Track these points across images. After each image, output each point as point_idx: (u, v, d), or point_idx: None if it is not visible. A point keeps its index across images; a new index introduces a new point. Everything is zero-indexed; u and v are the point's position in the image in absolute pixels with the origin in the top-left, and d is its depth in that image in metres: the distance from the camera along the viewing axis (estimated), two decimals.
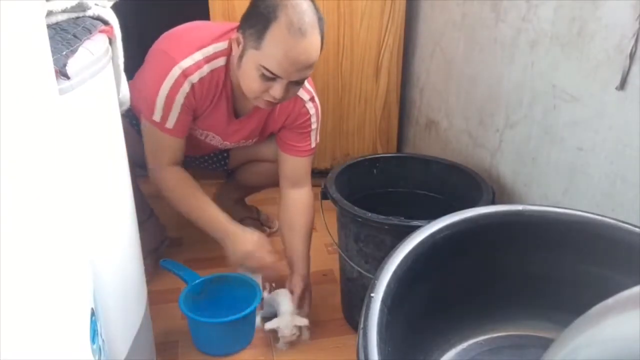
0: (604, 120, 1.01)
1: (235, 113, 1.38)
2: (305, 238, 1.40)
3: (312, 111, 1.39)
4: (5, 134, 0.46)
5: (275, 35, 1.12)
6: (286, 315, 1.26)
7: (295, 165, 1.43)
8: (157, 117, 1.27)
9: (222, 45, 1.27)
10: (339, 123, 1.94)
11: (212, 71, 1.26)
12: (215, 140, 1.44)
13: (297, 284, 1.34)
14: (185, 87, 1.24)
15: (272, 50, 1.13)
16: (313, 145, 1.43)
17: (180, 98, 1.25)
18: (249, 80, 1.19)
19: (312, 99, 1.38)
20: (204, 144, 1.46)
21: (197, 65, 1.24)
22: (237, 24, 1.25)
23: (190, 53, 1.24)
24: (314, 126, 1.41)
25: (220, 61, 1.27)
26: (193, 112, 1.31)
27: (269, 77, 1.16)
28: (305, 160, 1.43)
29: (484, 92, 1.42)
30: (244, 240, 1.33)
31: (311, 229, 1.42)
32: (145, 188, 1.48)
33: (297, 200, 1.42)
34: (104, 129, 0.84)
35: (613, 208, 1.00)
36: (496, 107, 1.37)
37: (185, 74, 1.23)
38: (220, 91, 1.30)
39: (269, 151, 1.52)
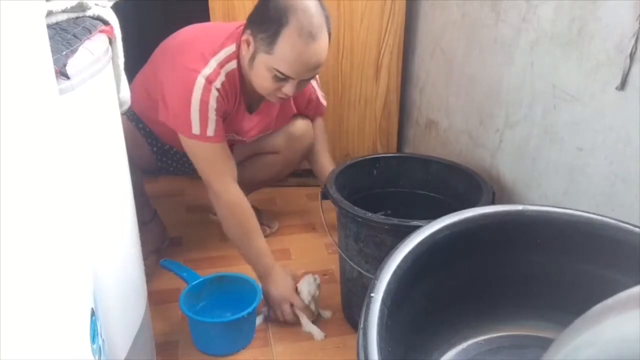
0: (604, 120, 1.01)
1: (249, 109, 1.41)
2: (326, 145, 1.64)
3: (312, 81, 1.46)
4: (5, 134, 0.46)
5: (286, 41, 1.16)
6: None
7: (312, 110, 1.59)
8: (195, 129, 1.26)
9: (230, 48, 1.29)
10: (339, 123, 1.94)
11: (227, 75, 1.28)
12: (235, 139, 1.46)
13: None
14: (214, 92, 1.26)
15: (284, 55, 1.17)
16: (324, 103, 1.60)
17: (212, 103, 1.26)
18: (261, 80, 1.24)
19: None
20: None
21: (216, 72, 1.26)
22: (239, 23, 1.27)
23: (207, 61, 1.26)
24: (318, 93, 1.54)
25: (233, 64, 1.29)
26: (223, 116, 1.32)
27: (281, 78, 1.21)
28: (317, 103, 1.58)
29: (484, 92, 1.42)
30: (280, 285, 1.34)
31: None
32: (149, 189, 1.48)
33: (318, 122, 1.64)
34: (104, 129, 0.84)
35: (613, 208, 1.00)
36: (496, 107, 1.37)
37: (209, 81, 1.25)
38: (238, 92, 1.33)
39: (272, 143, 1.55)
